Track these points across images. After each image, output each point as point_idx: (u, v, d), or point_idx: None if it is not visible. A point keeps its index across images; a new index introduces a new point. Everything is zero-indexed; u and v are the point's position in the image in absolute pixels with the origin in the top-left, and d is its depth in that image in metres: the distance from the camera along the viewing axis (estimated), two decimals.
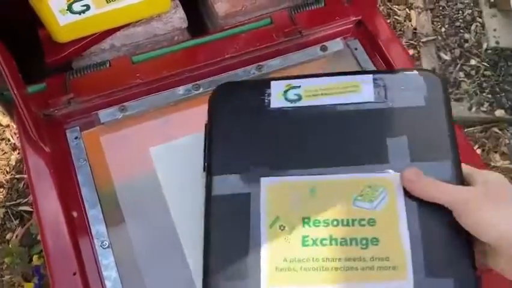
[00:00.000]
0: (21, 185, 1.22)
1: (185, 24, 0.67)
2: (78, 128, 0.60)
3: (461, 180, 0.44)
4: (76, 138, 0.59)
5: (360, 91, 0.50)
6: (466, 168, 0.45)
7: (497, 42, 1.38)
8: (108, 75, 0.62)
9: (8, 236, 1.15)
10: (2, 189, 1.21)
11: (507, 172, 1.25)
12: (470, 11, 1.47)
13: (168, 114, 0.60)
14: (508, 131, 1.30)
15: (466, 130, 1.31)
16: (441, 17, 1.47)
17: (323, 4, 0.68)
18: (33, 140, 0.56)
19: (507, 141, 1.28)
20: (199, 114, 0.54)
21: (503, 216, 0.38)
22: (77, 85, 0.61)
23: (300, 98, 0.51)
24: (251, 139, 0.50)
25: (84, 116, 0.60)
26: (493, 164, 1.26)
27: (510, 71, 1.35)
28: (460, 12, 1.47)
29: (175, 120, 0.60)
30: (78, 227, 0.54)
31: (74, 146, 0.59)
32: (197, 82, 0.61)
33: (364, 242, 0.43)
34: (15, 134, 1.27)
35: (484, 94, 1.34)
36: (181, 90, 0.61)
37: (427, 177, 0.43)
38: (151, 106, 0.61)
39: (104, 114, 0.59)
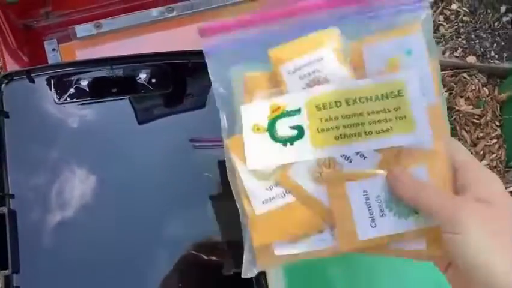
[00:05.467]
0: None
1: None
2: (56, 40, 0.63)
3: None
4: (54, 50, 0.63)
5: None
6: (460, 158, 0.32)
7: None
8: None
9: None
10: None
11: (469, 116, 1.32)
12: None
13: (141, 35, 0.64)
14: (476, 77, 1.35)
15: None
16: None
17: None
18: (13, 49, 0.60)
19: (473, 87, 1.34)
20: (171, 37, 0.58)
21: None
22: None
23: None
24: None
25: (62, 30, 0.63)
26: (457, 107, 1.33)
27: (487, 19, 1.38)
28: None
29: (148, 41, 0.63)
30: None
31: (51, 58, 0.63)
32: (171, 5, 0.64)
33: None
34: None
35: (460, 39, 1.37)
36: (154, 12, 0.64)
37: (416, 180, 0.32)
38: (126, 25, 0.64)
39: (80, 29, 0.63)
